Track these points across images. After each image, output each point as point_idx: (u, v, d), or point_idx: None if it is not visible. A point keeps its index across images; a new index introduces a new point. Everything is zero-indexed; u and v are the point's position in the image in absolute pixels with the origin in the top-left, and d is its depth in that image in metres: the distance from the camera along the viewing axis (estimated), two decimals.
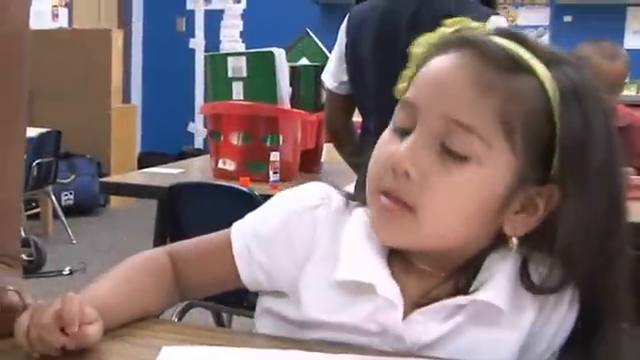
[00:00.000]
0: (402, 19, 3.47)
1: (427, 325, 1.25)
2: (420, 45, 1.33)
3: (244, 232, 1.40)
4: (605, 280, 1.25)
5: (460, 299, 1.24)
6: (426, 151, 1.20)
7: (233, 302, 2.98)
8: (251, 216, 1.44)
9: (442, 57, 1.24)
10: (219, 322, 3.62)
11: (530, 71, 1.20)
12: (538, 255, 1.26)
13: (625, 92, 4.35)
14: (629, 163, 4.07)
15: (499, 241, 1.28)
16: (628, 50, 4.55)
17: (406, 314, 1.27)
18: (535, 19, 9.97)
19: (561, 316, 1.28)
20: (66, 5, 9.91)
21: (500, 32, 1.28)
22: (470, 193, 1.22)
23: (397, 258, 1.31)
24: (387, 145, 1.24)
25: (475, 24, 1.33)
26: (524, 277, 1.26)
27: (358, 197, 1.36)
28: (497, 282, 1.24)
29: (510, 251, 1.27)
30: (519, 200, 1.23)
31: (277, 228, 1.37)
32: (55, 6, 9.58)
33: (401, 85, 1.33)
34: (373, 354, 1.23)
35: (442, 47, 1.26)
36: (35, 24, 7.99)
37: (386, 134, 1.27)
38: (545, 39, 9.79)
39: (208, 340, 1.31)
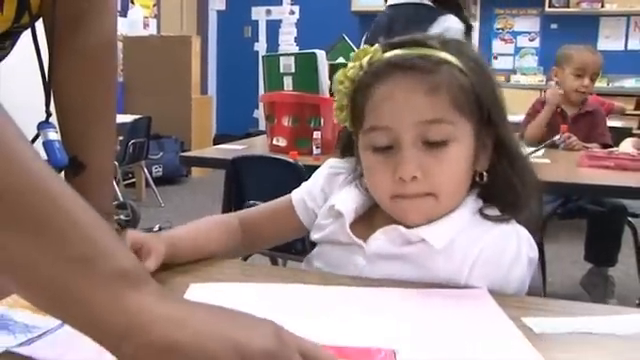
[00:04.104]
0: (401, 21, 3.84)
1: (384, 243, 1.33)
2: (341, 82, 1.38)
3: (301, 192, 1.53)
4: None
5: (412, 234, 1.30)
6: (418, 154, 1.26)
7: (284, 249, 3.02)
8: (304, 183, 1.55)
9: (385, 86, 1.29)
10: (274, 264, 3.67)
11: (445, 62, 1.28)
12: (488, 205, 1.34)
13: (598, 84, 4.38)
14: (595, 140, 4.13)
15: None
16: (601, 51, 4.60)
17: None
18: (528, 26, 9.93)
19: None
20: (155, 16, 9.94)
21: (402, 43, 1.35)
22: (460, 163, 1.30)
23: (381, 216, 1.38)
24: (382, 164, 1.30)
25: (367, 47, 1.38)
26: (482, 213, 1.32)
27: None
28: (444, 227, 1.29)
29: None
30: (479, 145, 1.31)
31: (319, 186, 1.51)
32: (146, 17, 9.60)
33: (341, 114, 1.41)
34: (358, 284, 1.27)
35: (377, 76, 1.31)
36: (130, 32, 8.07)
37: (372, 157, 1.32)
38: (537, 42, 9.81)
39: (263, 275, 1.36)
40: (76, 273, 0.71)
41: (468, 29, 3.97)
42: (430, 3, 3.94)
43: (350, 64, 1.38)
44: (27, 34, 1.44)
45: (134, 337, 0.71)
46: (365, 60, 1.35)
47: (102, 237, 0.74)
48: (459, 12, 3.96)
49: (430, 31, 3.85)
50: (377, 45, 1.37)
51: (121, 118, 6.58)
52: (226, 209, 3.35)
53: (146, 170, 7.50)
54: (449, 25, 3.79)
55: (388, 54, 1.34)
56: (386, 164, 1.29)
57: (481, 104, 1.29)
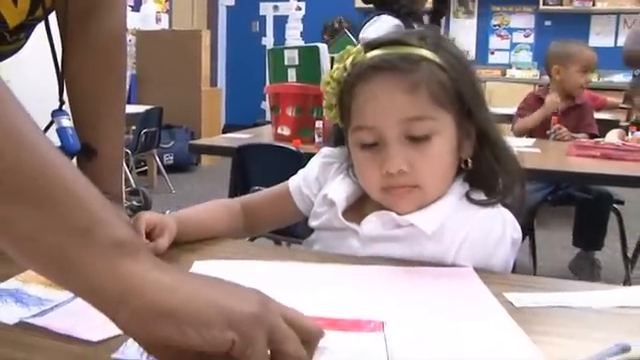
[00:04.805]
0: None
1: (376, 225, 1.35)
2: (327, 83, 1.39)
3: (297, 179, 1.53)
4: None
5: (403, 220, 1.32)
6: (403, 149, 1.28)
7: (286, 233, 3.04)
8: (301, 170, 1.55)
9: (368, 86, 1.31)
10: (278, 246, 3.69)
11: (424, 59, 1.30)
12: (474, 189, 1.35)
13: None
14: (583, 130, 4.16)
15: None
16: (592, 47, 4.64)
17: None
18: (523, 23, 9.99)
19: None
20: (167, 12, 9.96)
21: (382, 43, 1.36)
22: (444, 155, 1.31)
23: (371, 204, 1.39)
24: (370, 160, 1.33)
25: (350, 47, 1.39)
26: (468, 198, 1.34)
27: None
28: (433, 213, 1.31)
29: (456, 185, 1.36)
30: (463, 134, 1.33)
31: (314, 175, 1.51)
32: (158, 12, 9.59)
33: (331, 112, 1.42)
34: (352, 263, 1.28)
35: (360, 78, 1.32)
36: (143, 26, 8.06)
37: (360, 154, 1.35)
38: (531, 38, 9.84)
39: (265, 254, 1.37)
40: (76, 243, 0.72)
41: (415, 18, 4.00)
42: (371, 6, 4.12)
43: (335, 65, 1.40)
44: (41, 27, 1.46)
45: (129, 302, 0.72)
46: (348, 62, 1.37)
47: (100, 209, 0.75)
48: (394, 7, 3.98)
49: (363, 33, 3.99)
50: (359, 46, 1.39)
51: (134, 108, 6.61)
52: (232, 195, 3.35)
53: (158, 158, 7.51)
54: (378, 25, 3.87)
55: (370, 54, 1.35)
56: (374, 160, 1.31)
57: (461, 97, 1.31)
